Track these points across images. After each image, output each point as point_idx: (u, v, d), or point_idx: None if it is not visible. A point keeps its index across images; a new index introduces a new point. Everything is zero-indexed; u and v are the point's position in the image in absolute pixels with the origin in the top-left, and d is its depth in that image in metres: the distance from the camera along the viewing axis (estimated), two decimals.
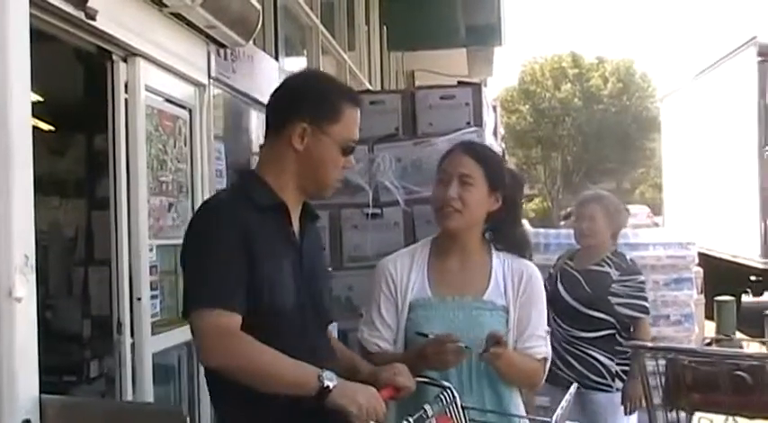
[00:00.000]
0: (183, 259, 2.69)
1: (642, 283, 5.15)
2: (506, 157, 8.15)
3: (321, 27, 9.14)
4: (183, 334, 4.81)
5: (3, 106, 2.84)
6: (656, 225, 19.84)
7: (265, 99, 6.09)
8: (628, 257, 5.22)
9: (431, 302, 3.11)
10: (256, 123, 6.26)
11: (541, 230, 8.26)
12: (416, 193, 5.24)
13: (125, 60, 4.20)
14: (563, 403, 2.81)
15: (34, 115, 3.11)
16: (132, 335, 4.17)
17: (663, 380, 4.56)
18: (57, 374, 5.89)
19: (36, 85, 3.09)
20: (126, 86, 4.20)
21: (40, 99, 5.09)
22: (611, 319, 5.00)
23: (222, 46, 5.28)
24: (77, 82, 6.08)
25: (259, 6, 5.46)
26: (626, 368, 4.99)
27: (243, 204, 2.61)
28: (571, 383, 3.18)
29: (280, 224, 2.67)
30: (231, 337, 2.48)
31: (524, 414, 3.17)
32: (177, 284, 4.88)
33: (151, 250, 4.39)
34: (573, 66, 47.32)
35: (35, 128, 3.21)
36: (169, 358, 4.81)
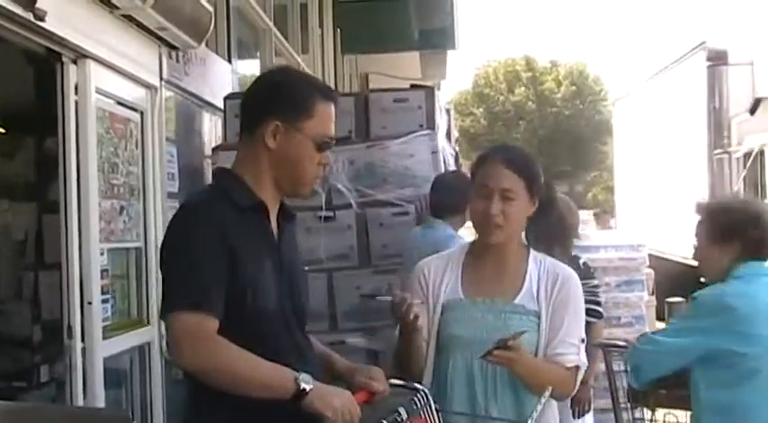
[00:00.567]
0: (161, 261, 2.65)
1: (596, 287, 5.18)
2: (460, 160, 8.17)
3: (274, 30, 9.12)
4: (135, 338, 4.79)
5: None
6: (609, 227, 20.02)
7: (218, 101, 6.08)
8: (581, 261, 5.26)
9: (462, 304, 3.05)
10: (209, 126, 6.23)
11: None
12: (369, 195, 5.26)
13: (75, 62, 4.16)
14: (537, 406, 2.82)
15: None
16: (83, 339, 4.13)
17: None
18: (6, 380, 5.82)
19: None
20: (76, 89, 4.16)
21: None
22: None
23: (174, 48, 5.25)
24: (27, 84, 6.01)
25: (211, 9, 5.44)
26: None
27: (222, 205, 2.58)
28: None
29: (260, 224, 2.64)
30: (207, 340, 2.45)
31: None
32: (129, 288, 4.86)
33: (102, 254, 4.35)
34: (527, 69, 47.56)
35: None
36: (121, 363, 4.77)
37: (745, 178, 13.04)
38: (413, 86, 6.03)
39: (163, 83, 5.18)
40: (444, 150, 5.58)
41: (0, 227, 6.33)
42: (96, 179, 4.28)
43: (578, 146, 45.44)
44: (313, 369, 2.56)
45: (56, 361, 5.04)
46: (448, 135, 6.37)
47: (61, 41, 3.97)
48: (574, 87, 46.84)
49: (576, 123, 45.96)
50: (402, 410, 2.63)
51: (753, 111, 13.62)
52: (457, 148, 7.95)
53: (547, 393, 2.85)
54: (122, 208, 4.64)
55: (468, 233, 5.33)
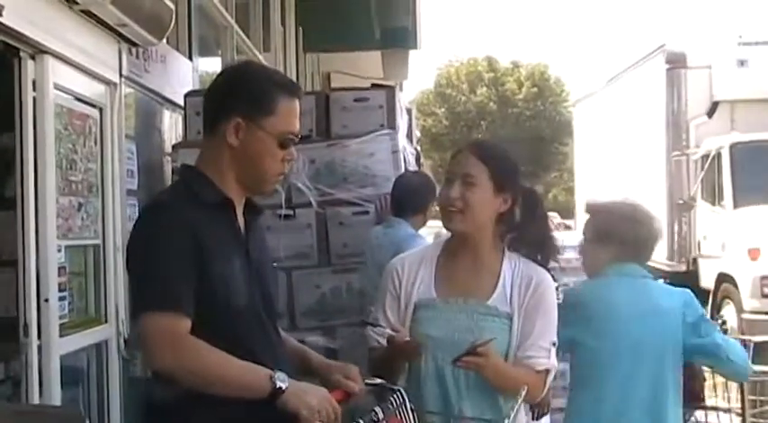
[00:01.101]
0: (128, 263, 2.60)
1: (556, 288, 5.20)
2: (422, 159, 8.19)
3: (236, 27, 9.09)
4: (92, 336, 4.76)
5: None
6: (568, 228, 20.16)
7: (178, 98, 6.04)
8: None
9: (435, 304, 3.04)
10: (169, 123, 6.20)
11: None
12: (329, 194, 5.26)
13: (33, 58, 4.12)
14: (515, 406, 2.83)
15: None
16: (39, 337, 4.10)
17: None
18: None
19: None
20: (34, 84, 4.12)
21: None
22: None
23: (134, 44, 5.21)
24: None
25: (172, 5, 5.41)
26: None
27: (188, 203, 2.55)
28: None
29: (227, 221, 2.62)
30: (179, 341, 2.42)
31: None
32: (87, 286, 4.82)
33: (60, 251, 4.32)
34: (488, 70, 47.75)
35: None
36: (78, 361, 4.74)
37: (702, 180, 13.16)
38: (374, 86, 6.05)
39: (122, 79, 5.15)
40: (405, 150, 5.60)
41: None
42: (54, 176, 4.24)
43: (539, 147, 45.66)
44: (286, 367, 2.54)
45: (11, 359, 4.99)
46: (409, 135, 6.39)
47: (19, 37, 3.93)
48: (535, 88, 47.10)
49: (537, 124, 46.23)
50: (378, 410, 2.62)
51: (710, 114, 13.76)
52: (418, 148, 7.97)
53: (523, 393, 2.85)
54: (80, 205, 4.61)
55: (428, 233, 5.36)
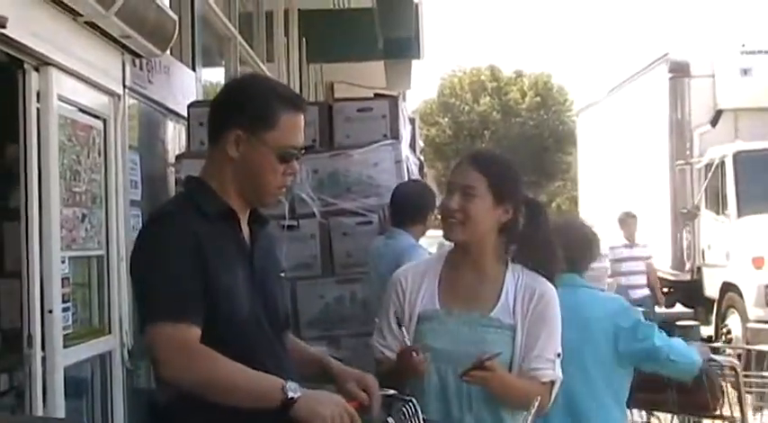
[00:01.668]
0: (134, 274, 2.61)
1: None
2: (425, 169, 8.20)
3: (239, 38, 9.11)
4: (96, 347, 4.76)
5: None
6: None
7: (182, 109, 6.05)
8: None
9: (438, 315, 3.04)
10: (172, 134, 6.21)
11: None
12: (333, 204, 5.26)
13: (37, 69, 4.14)
14: (528, 417, 2.81)
15: None
16: (43, 348, 4.10)
17: None
18: None
19: None
20: (38, 96, 4.13)
21: None
22: None
23: (138, 56, 5.23)
24: None
25: (176, 16, 5.42)
26: None
27: (192, 214, 2.56)
28: None
29: (230, 232, 2.62)
30: (190, 351, 2.42)
31: None
32: (91, 297, 4.83)
33: (63, 262, 4.33)
34: (492, 79, 47.74)
35: None
36: (82, 372, 4.74)
37: (706, 189, 13.14)
38: (377, 96, 6.06)
39: (126, 90, 5.16)
40: (408, 160, 5.60)
41: None
42: (58, 187, 4.25)
43: (542, 156, 45.65)
44: (292, 377, 2.51)
45: (15, 370, 5.00)
46: (412, 144, 6.40)
47: (23, 48, 3.95)
48: (538, 98, 47.07)
49: (541, 133, 46.19)
50: (391, 421, 2.62)
51: (714, 122, 13.75)
52: (422, 158, 7.97)
53: (536, 404, 2.85)
54: (84, 216, 4.62)
55: (427, 243, 5.35)
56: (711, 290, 12.94)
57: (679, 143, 14.21)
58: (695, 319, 9.91)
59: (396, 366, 2.97)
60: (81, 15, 4.38)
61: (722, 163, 12.77)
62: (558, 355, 3.05)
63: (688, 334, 5.61)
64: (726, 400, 4.68)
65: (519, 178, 3.17)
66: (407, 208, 4.97)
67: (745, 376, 5.21)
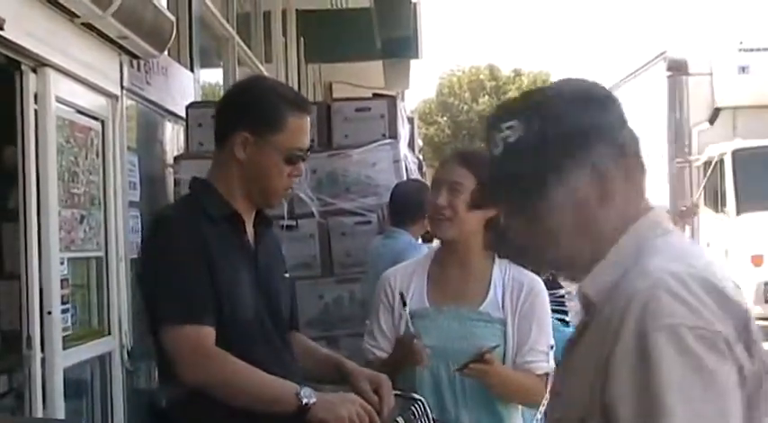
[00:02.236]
0: (145, 277, 2.63)
1: (563, 297, 5.19)
2: (424, 168, 8.20)
3: (237, 38, 9.11)
4: (96, 348, 4.76)
5: None
6: None
7: (180, 110, 6.05)
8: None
9: (428, 312, 3.06)
10: (171, 135, 6.21)
11: None
12: (331, 204, 5.26)
13: (35, 71, 4.13)
14: (537, 415, 2.83)
15: None
16: (43, 349, 4.10)
17: None
18: None
19: None
20: (36, 97, 4.13)
21: None
22: None
23: (135, 57, 5.22)
24: None
25: (173, 17, 5.42)
26: None
27: (197, 216, 2.58)
28: None
29: (235, 235, 2.64)
30: (207, 352, 2.44)
31: None
32: (90, 298, 4.83)
33: (62, 263, 4.32)
34: (490, 78, 47.78)
35: None
36: (82, 373, 4.74)
37: (705, 187, 13.16)
38: (375, 95, 6.06)
39: (124, 92, 5.15)
40: (407, 159, 5.60)
41: None
42: (56, 188, 4.25)
43: None
44: (296, 379, 2.54)
45: (15, 372, 5.00)
46: (411, 144, 6.40)
47: (20, 50, 3.94)
48: None
49: None
50: (401, 420, 2.63)
51: (712, 120, 13.79)
52: (420, 157, 7.98)
53: (545, 402, 2.86)
54: (83, 217, 4.62)
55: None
56: None
57: (678, 141, 14.26)
58: None
59: (392, 357, 2.98)
60: (78, 16, 4.37)
61: (721, 161, 12.79)
62: (552, 347, 3.07)
63: None
64: None
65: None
66: (406, 207, 4.97)
67: None
